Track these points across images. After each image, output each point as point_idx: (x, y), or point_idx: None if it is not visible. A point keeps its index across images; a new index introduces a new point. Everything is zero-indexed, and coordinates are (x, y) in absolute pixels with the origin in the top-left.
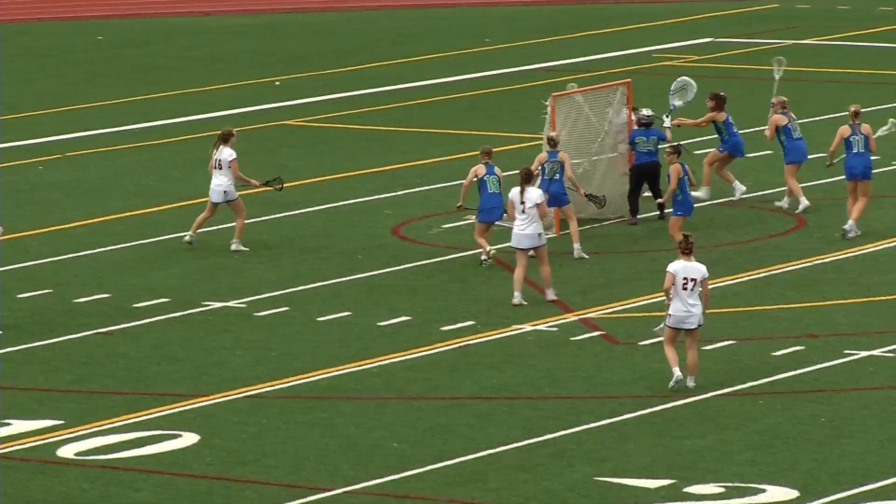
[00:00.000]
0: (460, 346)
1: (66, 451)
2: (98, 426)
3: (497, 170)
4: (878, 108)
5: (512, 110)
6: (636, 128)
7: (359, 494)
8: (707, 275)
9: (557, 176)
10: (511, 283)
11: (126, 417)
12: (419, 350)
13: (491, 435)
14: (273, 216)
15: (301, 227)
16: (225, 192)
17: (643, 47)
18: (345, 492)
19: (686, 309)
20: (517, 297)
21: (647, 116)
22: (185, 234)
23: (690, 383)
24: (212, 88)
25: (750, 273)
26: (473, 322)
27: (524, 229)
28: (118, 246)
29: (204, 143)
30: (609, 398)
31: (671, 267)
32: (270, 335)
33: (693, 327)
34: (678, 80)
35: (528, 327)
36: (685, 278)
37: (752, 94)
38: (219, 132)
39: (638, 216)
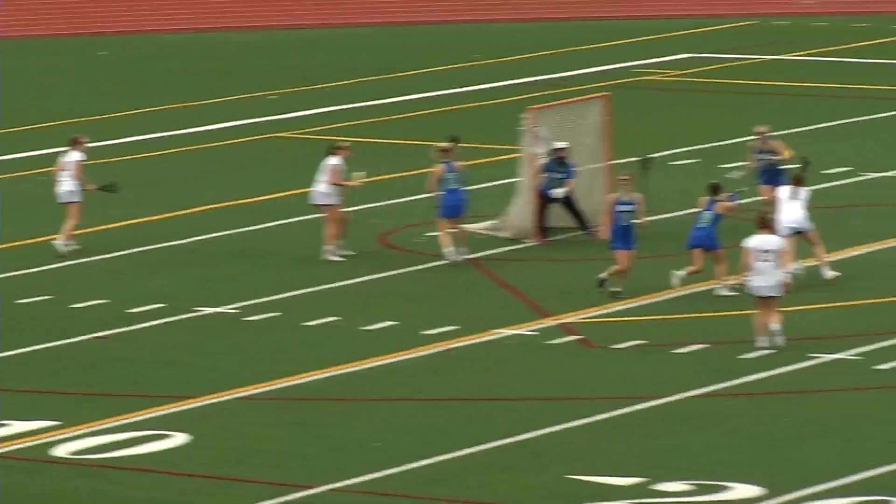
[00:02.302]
0: (443, 350)
1: (61, 451)
2: (93, 427)
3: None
4: (854, 120)
5: (496, 123)
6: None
7: (342, 492)
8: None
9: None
10: (492, 290)
11: (120, 418)
12: (403, 354)
13: (470, 435)
14: (265, 225)
15: (292, 236)
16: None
17: (623, 63)
18: (328, 489)
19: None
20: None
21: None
22: (185, 240)
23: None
24: (207, 102)
25: (717, 281)
26: (456, 327)
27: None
28: (116, 254)
29: (203, 154)
30: (584, 400)
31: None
32: (261, 340)
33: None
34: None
35: (508, 332)
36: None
37: (728, 106)
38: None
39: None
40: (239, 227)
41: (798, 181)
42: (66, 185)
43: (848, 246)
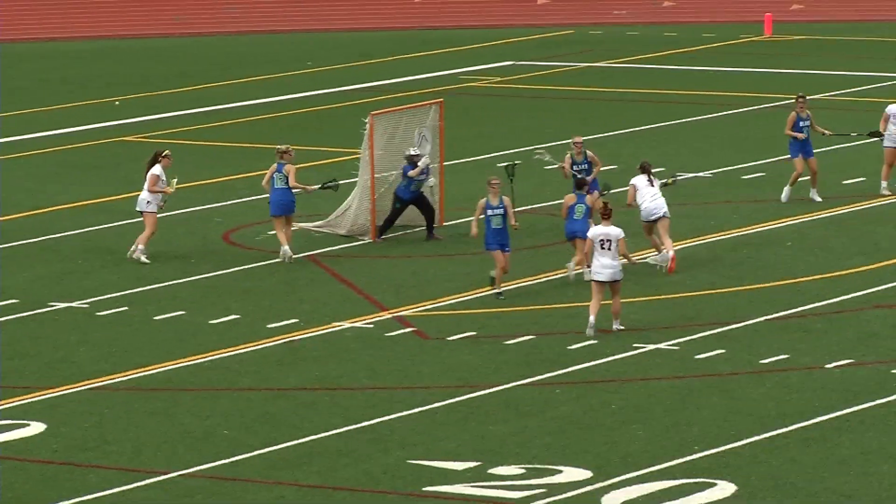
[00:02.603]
0: (286, 342)
1: None
2: None
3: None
4: (661, 124)
5: (332, 127)
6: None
7: (193, 477)
8: (622, 235)
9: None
10: (330, 284)
11: None
12: (249, 345)
13: (314, 423)
14: (117, 223)
15: (139, 234)
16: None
17: (451, 69)
18: (180, 475)
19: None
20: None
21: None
22: (38, 238)
23: (616, 326)
24: (61, 107)
25: (549, 273)
26: (298, 320)
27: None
28: None
29: (56, 157)
30: (421, 388)
31: (590, 232)
32: (112, 333)
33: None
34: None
35: (347, 324)
36: (602, 239)
37: (547, 111)
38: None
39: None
40: (90, 227)
41: (646, 170)
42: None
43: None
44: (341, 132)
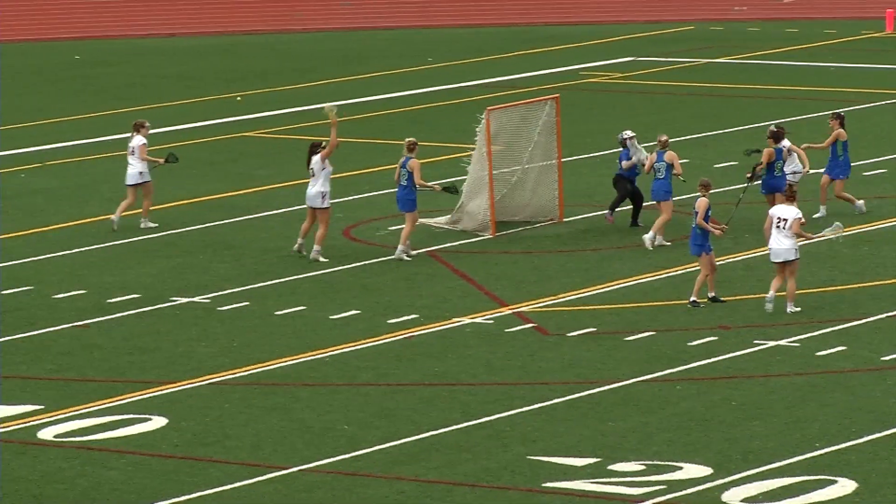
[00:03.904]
0: (405, 338)
1: (46, 434)
2: (75, 411)
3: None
4: (789, 119)
5: (449, 123)
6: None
7: (313, 472)
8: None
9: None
10: (449, 280)
11: (100, 403)
12: (368, 341)
13: (433, 418)
14: (236, 219)
15: (261, 229)
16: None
17: (570, 66)
18: (300, 470)
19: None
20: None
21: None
22: (159, 234)
23: (790, 309)
24: (179, 103)
25: (669, 270)
26: (417, 315)
27: None
28: (94, 247)
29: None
30: (540, 384)
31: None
32: (232, 328)
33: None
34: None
35: (466, 320)
36: (778, 217)
37: (670, 108)
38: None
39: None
40: (208, 222)
41: None
42: (136, 168)
43: None
44: (456, 128)
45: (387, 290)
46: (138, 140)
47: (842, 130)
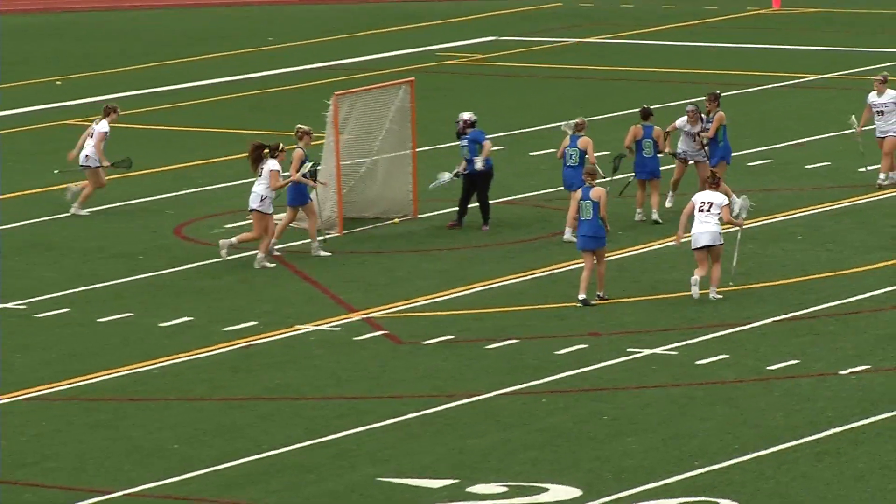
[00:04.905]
0: (243, 347)
1: None
2: None
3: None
4: (663, 105)
5: (294, 109)
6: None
7: (140, 497)
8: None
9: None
10: (293, 283)
11: None
12: (202, 351)
13: (274, 435)
14: (55, 216)
15: (83, 228)
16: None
17: (427, 46)
18: (126, 494)
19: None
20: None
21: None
22: None
23: (713, 295)
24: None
25: (535, 271)
26: (256, 322)
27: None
28: None
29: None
30: (392, 398)
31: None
32: (51, 337)
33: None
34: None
35: (311, 327)
36: (703, 201)
37: (534, 91)
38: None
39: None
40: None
41: None
42: (87, 151)
43: (662, 237)
44: (301, 116)
45: (223, 294)
46: (102, 126)
47: (721, 113)
